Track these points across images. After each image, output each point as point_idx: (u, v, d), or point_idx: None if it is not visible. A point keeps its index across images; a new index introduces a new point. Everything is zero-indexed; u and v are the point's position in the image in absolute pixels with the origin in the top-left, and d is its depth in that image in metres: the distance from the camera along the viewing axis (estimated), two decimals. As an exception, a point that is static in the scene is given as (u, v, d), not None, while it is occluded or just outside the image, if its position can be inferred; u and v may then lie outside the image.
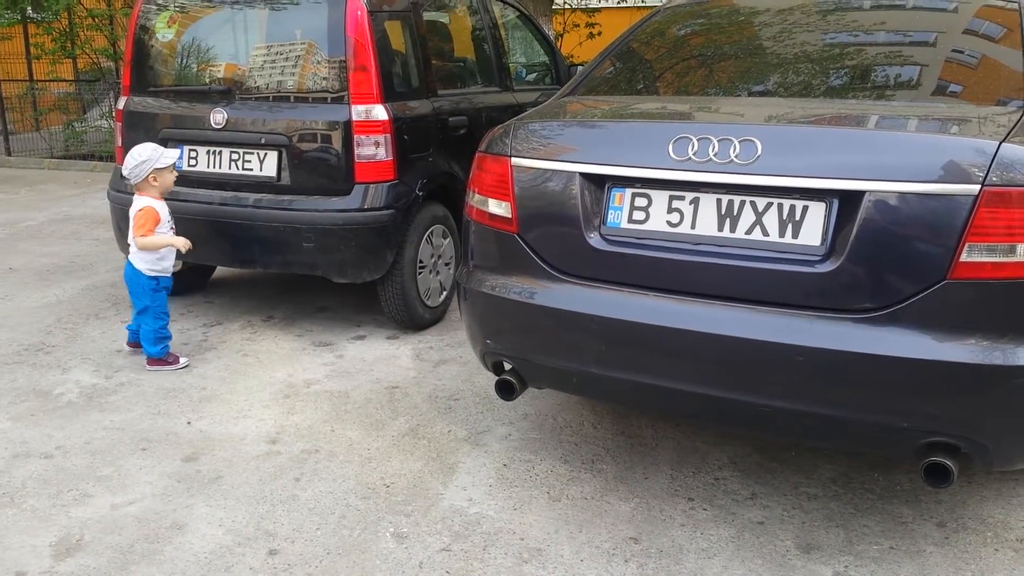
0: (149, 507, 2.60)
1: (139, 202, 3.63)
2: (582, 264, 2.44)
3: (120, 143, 4.27)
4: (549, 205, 2.51)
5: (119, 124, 4.29)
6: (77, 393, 3.43)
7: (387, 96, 3.90)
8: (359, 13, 3.83)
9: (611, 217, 2.40)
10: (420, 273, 4.12)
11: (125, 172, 3.63)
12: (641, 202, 2.36)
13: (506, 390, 2.64)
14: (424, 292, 4.16)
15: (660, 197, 2.33)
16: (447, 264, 4.37)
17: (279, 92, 4.03)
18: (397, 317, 4.13)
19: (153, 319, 3.63)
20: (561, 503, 2.65)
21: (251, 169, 3.97)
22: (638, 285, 2.34)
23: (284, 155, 3.90)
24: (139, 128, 4.20)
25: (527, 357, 2.58)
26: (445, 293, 4.37)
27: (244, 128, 3.96)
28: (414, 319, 4.14)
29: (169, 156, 3.60)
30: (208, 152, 4.03)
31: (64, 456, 2.92)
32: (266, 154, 3.93)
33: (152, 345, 3.64)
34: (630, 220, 2.37)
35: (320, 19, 3.92)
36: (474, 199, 2.71)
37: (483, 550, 2.41)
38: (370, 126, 3.84)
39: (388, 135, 3.86)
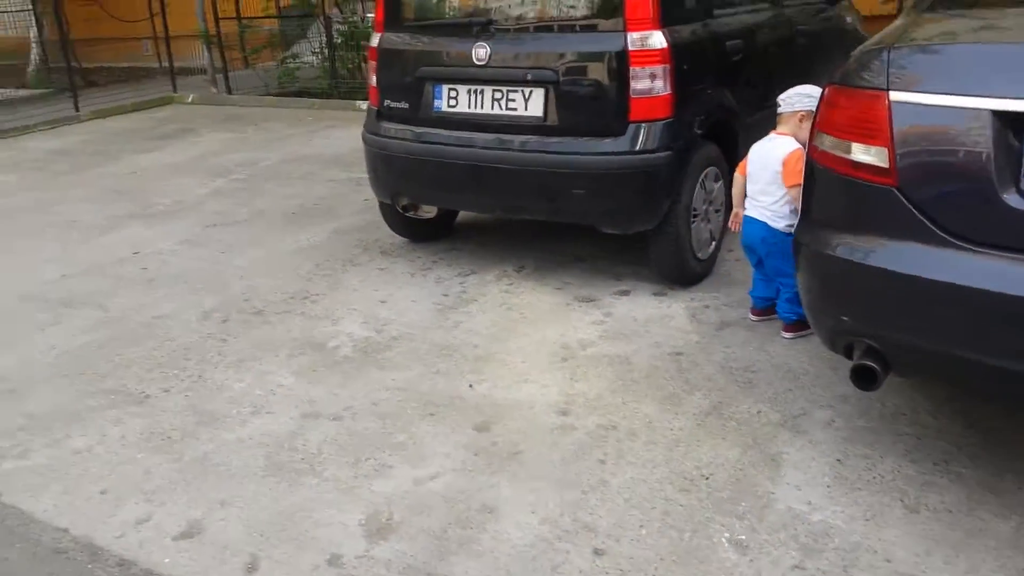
0: (452, 484, 2.41)
1: (783, 143, 2.94)
2: (991, 228, 1.93)
3: (374, 82, 4.08)
4: (943, 152, 2.00)
5: (373, 63, 4.09)
6: (351, 347, 3.32)
7: (665, 20, 3.43)
8: (633, -73, 3.36)
9: (1043, 170, 1.85)
10: (692, 222, 3.68)
11: (783, 96, 3.10)
12: (1095, 151, 1.79)
13: (866, 379, 2.19)
14: (696, 243, 3.73)
15: None
16: (717, 211, 3.90)
17: (542, 22, 3.67)
18: (665, 271, 3.74)
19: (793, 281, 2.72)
20: (921, 515, 2.20)
21: (515, 109, 3.64)
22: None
23: (551, 92, 3.54)
24: (395, 67, 3.98)
25: (902, 341, 2.10)
26: (715, 244, 3.91)
27: (508, 64, 3.63)
28: (684, 274, 3.73)
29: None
30: (469, 92, 3.74)
31: (353, 419, 2.79)
32: (531, 92, 3.59)
33: (799, 306, 2.71)
34: (1075, 174, 1.81)
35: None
36: (826, 143, 2.23)
37: (843, 571, 2.02)
38: (647, 56, 3.40)
39: (667, 66, 3.40)
